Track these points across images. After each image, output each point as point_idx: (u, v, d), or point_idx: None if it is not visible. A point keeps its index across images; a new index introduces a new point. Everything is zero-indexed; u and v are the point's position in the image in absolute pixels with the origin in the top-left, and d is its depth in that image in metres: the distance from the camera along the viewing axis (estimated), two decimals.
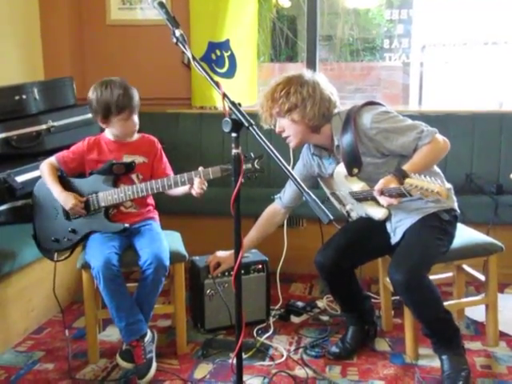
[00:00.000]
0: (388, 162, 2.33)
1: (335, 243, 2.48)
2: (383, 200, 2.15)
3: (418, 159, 2.23)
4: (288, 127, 2.37)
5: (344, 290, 2.55)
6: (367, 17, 6.05)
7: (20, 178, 2.76)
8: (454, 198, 2.44)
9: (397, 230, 2.38)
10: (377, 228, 2.45)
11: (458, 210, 2.43)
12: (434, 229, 2.30)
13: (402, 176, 2.11)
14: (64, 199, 2.41)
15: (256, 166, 2.32)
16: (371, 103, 2.39)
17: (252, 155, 2.32)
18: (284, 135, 2.41)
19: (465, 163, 3.49)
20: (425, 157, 2.24)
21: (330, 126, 2.38)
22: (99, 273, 2.28)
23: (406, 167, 2.17)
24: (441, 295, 2.27)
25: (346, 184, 2.41)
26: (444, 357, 2.30)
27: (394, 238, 2.39)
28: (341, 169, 2.39)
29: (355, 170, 2.34)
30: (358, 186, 2.37)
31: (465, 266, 2.73)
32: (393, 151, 2.31)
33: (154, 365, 2.36)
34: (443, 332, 2.31)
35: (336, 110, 2.38)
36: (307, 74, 2.36)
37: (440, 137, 2.28)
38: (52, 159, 2.52)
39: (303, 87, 2.30)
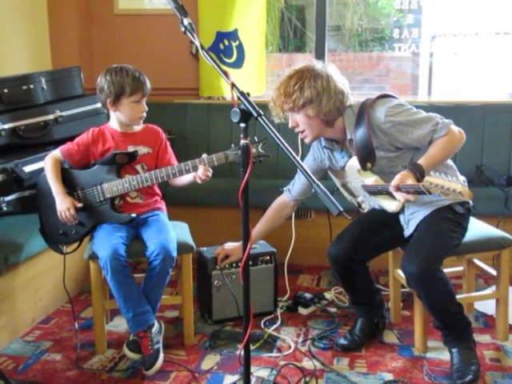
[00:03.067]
0: (402, 155, 2.30)
1: (349, 236, 2.46)
2: (400, 196, 2.11)
3: (434, 152, 2.19)
4: (302, 122, 2.32)
5: (356, 283, 2.54)
6: (376, 6, 5.99)
7: (28, 168, 2.75)
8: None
9: (410, 222, 2.36)
10: (389, 220, 2.43)
11: (472, 203, 2.40)
12: (448, 221, 2.28)
13: (417, 171, 2.08)
14: (60, 201, 2.39)
15: (260, 150, 2.32)
16: (384, 96, 2.34)
17: (256, 139, 2.31)
18: (297, 130, 2.37)
19: (475, 155, 3.46)
20: (441, 150, 2.20)
21: (343, 119, 2.34)
22: (107, 263, 2.28)
23: (421, 161, 2.13)
24: (453, 288, 2.26)
25: (358, 177, 2.39)
26: (454, 350, 2.29)
27: (408, 231, 2.37)
28: (353, 162, 2.35)
29: (369, 165, 2.30)
30: (370, 179, 2.34)
31: (476, 260, 2.71)
32: (407, 144, 2.27)
33: (161, 356, 2.36)
34: (454, 325, 2.29)
35: (348, 103, 2.34)
36: (318, 65, 2.30)
37: (455, 128, 2.24)
38: (57, 153, 2.50)
39: (317, 81, 2.24)
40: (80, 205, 2.40)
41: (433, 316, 2.33)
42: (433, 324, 2.37)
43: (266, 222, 2.65)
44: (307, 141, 2.39)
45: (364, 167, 2.31)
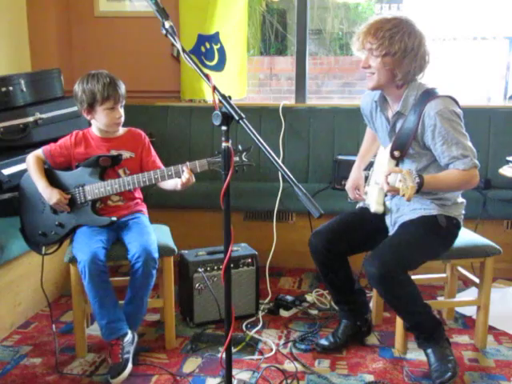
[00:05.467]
0: (423, 155, 2.27)
1: (330, 226, 2.47)
2: (382, 177, 2.12)
3: (443, 178, 2.18)
4: (375, 67, 2.20)
5: (335, 277, 2.52)
6: (357, 11, 6.04)
7: (7, 171, 2.72)
8: (462, 212, 2.39)
9: (396, 224, 2.37)
10: (377, 220, 2.44)
11: (461, 222, 2.38)
12: (423, 230, 2.27)
13: (418, 180, 2.06)
14: (48, 195, 2.39)
15: (244, 158, 2.30)
16: (454, 100, 2.25)
17: (240, 148, 2.31)
18: (367, 72, 2.26)
19: None
20: (450, 181, 2.18)
21: (406, 88, 2.25)
22: (85, 267, 2.26)
23: (427, 177, 2.11)
24: (419, 291, 2.26)
25: (384, 164, 2.34)
26: (429, 350, 2.31)
27: (392, 232, 2.38)
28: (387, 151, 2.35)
29: (396, 154, 2.26)
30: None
31: (459, 268, 2.74)
32: (427, 147, 2.24)
33: (130, 366, 2.32)
34: (423, 326, 2.31)
35: (422, 75, 2.25)
36: (417, 24, 2.20)
37: (476, 173, 2.19)
38: (39, 152, 2.49)
39: (411, 37, 2.15)
40: (69, 196, 2.40)
41: (399, 316, 2.36)
42: (403, 326, 2.40)
43: (368, 151, 2.62)
44: (369, 85, 2.28)
45: (392, 154, 2.28)
